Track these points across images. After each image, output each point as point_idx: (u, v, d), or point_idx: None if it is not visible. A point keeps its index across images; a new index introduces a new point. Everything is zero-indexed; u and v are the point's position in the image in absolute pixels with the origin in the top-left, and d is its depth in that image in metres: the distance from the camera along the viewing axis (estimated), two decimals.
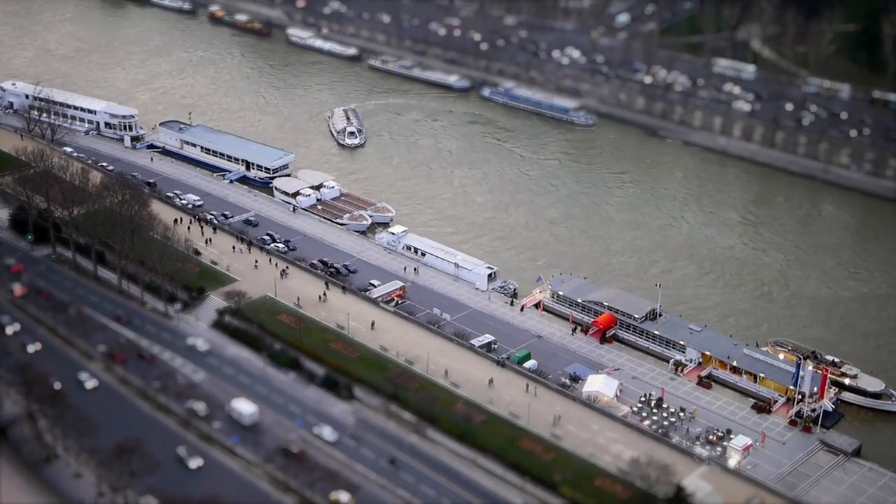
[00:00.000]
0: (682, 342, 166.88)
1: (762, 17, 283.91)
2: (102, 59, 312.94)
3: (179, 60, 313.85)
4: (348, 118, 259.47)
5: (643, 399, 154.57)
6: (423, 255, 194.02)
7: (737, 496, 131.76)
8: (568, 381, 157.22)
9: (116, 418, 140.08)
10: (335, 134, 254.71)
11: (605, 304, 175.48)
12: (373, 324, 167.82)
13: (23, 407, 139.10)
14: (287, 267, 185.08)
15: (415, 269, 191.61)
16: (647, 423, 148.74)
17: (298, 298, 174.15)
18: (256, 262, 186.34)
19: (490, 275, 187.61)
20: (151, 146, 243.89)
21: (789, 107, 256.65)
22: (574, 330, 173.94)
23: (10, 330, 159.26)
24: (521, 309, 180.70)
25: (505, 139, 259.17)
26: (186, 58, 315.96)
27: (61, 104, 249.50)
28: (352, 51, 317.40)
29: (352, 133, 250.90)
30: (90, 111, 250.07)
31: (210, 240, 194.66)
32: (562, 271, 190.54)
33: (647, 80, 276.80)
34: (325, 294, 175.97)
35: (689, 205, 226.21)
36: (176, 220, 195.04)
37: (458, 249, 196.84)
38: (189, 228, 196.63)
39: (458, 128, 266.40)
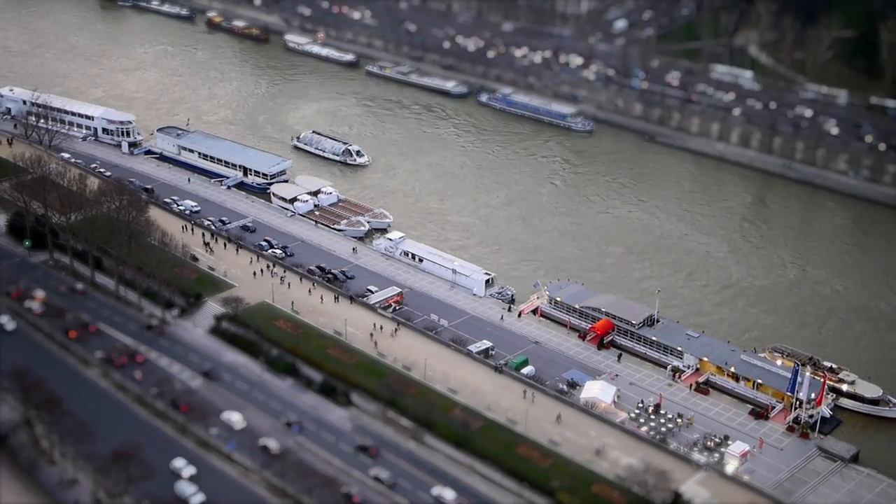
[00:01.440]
0: (679, 348, 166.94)
1: (760, 24, 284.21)
2: (90, 61, 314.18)
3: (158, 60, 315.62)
4: (333, 139, 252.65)
5: (640, 405, 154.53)
6: (421, 260, 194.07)
7: (734, 502, 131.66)
8: (565, 388, 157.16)
9: (113, 424, 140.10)
10: (335, 157, 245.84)
11: (603, 309, 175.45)
12: (377, 329, 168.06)
13: (20, 413, 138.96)
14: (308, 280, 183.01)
15: (353, 248, 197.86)
16: (644, 429, 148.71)
17: (293, 303, 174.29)
18: (285, 281, 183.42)
19: (487, 281, 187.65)
20: (149, 152, 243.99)
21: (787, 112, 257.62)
22: (619, 357, 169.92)
23: None
24: (519, 315, 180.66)
25: (501, 144, 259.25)
26: (178, 62, 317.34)
27: (59, 110, 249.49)
28: (349, 57, 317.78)
29: (358, 152, 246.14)
30: (87, 117, 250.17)
31: (209, 245, 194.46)
32: (559, 277, 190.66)
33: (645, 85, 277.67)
34: (396, 330, 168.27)
35: (685, 210, 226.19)
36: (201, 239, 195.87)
37: (455, 255, 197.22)
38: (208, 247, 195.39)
39: (454, 135, 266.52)
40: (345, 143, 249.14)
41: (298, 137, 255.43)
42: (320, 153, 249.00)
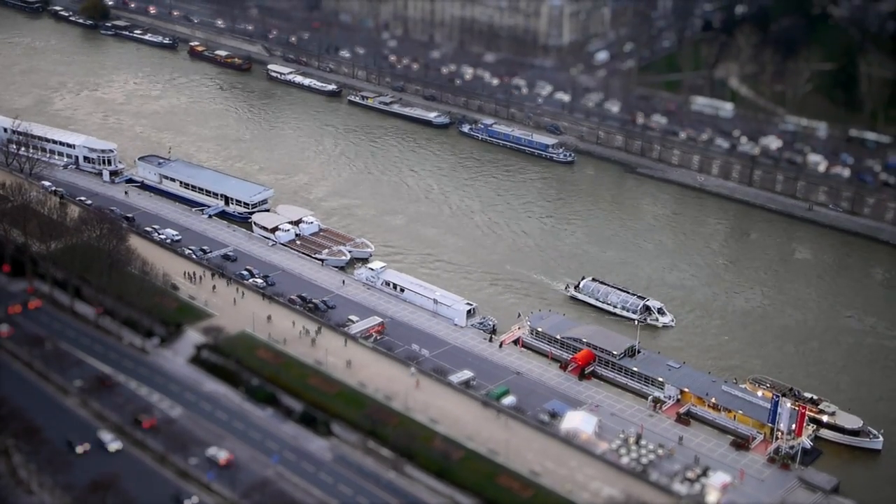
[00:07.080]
0: (660, 379, 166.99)
1: (740, 56, 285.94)
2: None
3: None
4: (625, 291, 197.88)
5: (622, 436, 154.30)
6: (402, 290, 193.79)
7: None
8: (547, 418, 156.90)
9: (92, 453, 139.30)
10: (629, 314, 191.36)
11: (584, 340, 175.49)
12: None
13: None
14: (318, 329, 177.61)
15: (271, 244, 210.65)
16: (625, 460, 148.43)
17: (270, 334, 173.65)
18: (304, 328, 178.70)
19: (469, 311, 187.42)
20: (130, 180, 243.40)
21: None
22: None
23: None
24: (500, 345, 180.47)
25: (482, 175, 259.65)
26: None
27: (40, 138, 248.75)
28: (331, 86, 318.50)
29: (660, 310, 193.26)
30: (69, 145, 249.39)
31: (194, 274, 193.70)
32: (541, 307, 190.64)
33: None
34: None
35: (665, 241, 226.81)
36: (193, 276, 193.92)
37: (436, 285, 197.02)
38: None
39: (435, 164, 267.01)
40: (641, 298, 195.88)
41: (577, 286, 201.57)
42: (608, 308, 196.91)
